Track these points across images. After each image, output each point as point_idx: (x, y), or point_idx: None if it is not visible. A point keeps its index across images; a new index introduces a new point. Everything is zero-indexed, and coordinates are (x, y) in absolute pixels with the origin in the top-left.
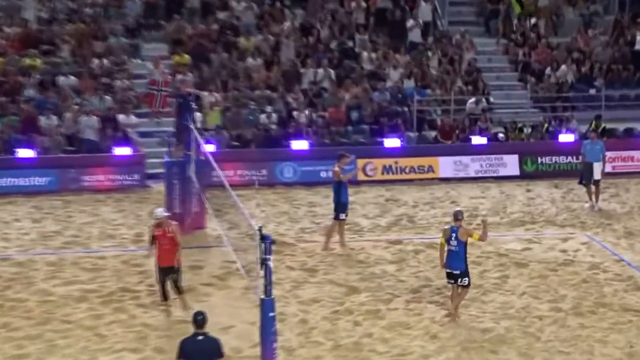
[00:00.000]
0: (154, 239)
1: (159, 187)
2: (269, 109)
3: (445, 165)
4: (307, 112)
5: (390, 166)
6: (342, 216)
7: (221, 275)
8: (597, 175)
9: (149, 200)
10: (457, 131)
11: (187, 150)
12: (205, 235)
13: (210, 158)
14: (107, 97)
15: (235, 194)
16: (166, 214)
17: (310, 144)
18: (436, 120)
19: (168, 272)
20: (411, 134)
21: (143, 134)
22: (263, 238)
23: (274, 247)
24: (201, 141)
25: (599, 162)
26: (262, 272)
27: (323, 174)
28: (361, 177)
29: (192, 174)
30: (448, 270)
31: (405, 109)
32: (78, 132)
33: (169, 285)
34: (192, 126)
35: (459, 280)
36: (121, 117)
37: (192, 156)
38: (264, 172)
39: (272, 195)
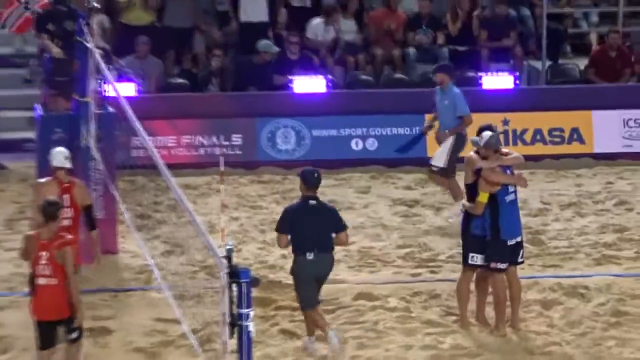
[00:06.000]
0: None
1: (23, 166)
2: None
3: (605, 128)
4: (322, 19)
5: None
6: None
7: (149, 347)
8: None
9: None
10: (632, 61)
11: (81, 96)
12: (118, 268)
13: (130, 111)
14: None
15: (180, 182)
16: (68, 165)
17: (330, 84)
18: (588, 37)
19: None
20: (537, 64)
21: None
22: (235, 274)
23: (256, 292)
24: (111, 77)
25: None
26: (230, 342)
27: (356, 144)
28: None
29: (92, 143)
30: (513, 241)
31: (527, 12)
32: None
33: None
34: (90, 45)
35: (521, 253)
36: None
37: (90, 107)
38: (237, 139)
39: (253, 186)
